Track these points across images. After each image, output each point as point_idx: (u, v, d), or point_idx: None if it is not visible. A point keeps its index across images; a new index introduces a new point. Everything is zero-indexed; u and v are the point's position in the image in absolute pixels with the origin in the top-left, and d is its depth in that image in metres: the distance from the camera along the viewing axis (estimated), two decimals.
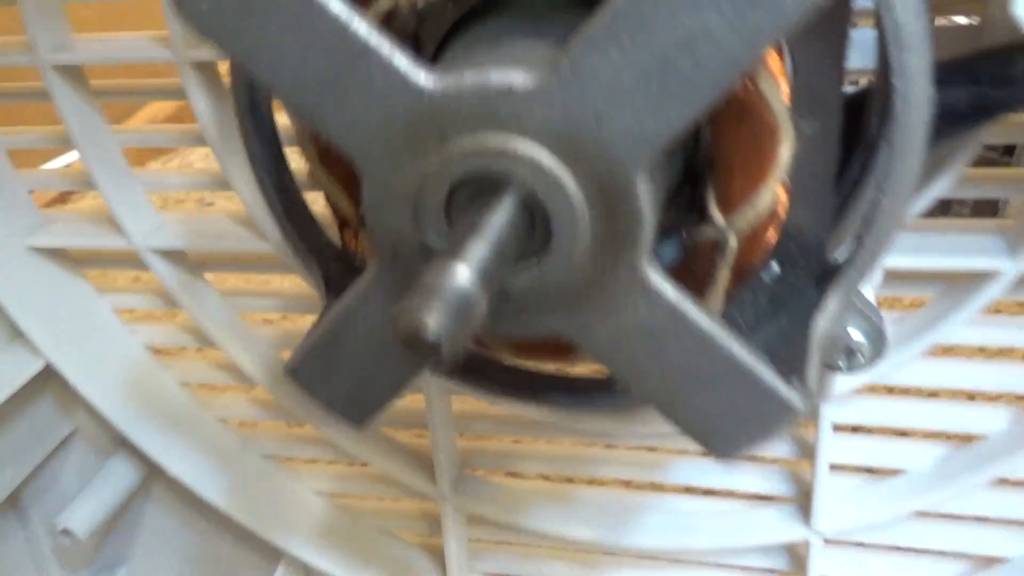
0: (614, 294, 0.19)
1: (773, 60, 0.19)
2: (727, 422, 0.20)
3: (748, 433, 0.20)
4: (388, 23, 0.21)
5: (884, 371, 0.32)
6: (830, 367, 0.26)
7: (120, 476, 0.45)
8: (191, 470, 0.44)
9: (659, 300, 0.19)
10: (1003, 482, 0.33)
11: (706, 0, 0.15)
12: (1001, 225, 0.29)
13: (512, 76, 0.17)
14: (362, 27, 0.17)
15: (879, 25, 0.18)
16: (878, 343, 0.26)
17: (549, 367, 0.26)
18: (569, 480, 0.41)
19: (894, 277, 0.30)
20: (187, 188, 0.39)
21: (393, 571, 0.44)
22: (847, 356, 0.26)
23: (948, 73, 0.24)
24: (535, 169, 0.17)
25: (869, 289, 0.28)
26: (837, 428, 0.34)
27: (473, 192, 0.18)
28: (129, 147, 0.38)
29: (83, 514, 0.44)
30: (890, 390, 0.35)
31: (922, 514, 0.35)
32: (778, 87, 0.19)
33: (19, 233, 0.39)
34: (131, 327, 0.43)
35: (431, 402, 0.38)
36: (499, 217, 0.17)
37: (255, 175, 0.25)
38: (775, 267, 0.23)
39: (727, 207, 0.20)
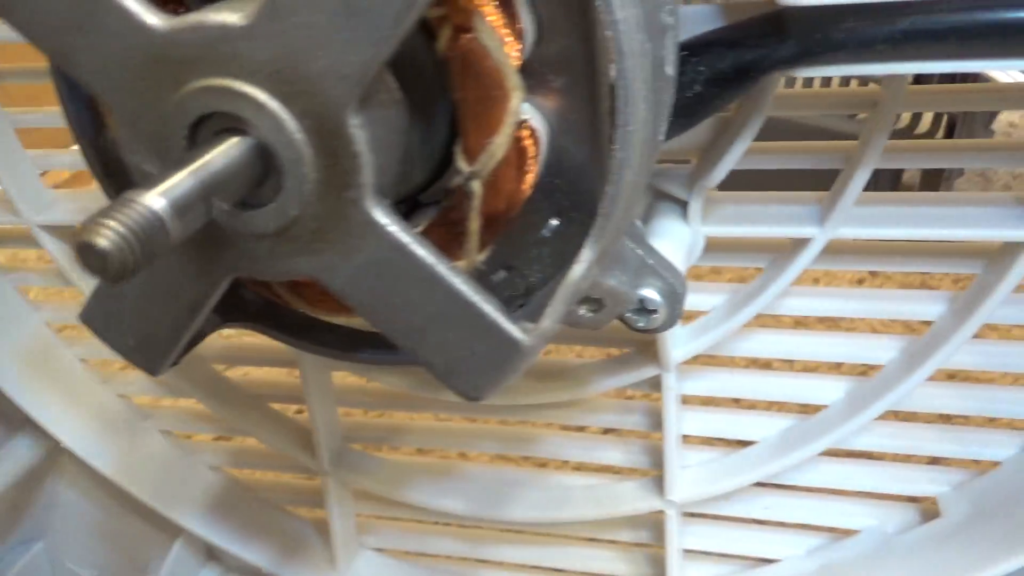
0: (347, 233, 0.20)
1: (492, 13, 0.20)
2: (464, 361, 0.21)
3: (483, 372, 0.21)
4: None
5: (719, 340, 0.33)
6: (627, 325, 0.27)
7: (23, 452, 0.46)
8: (92, 447, 0.45)
9: (385, 236, 0.20)
10: (841, 453, 0.34)
11: None
12: (818, 196, 0.30)
13: (226, 16, 0.18)
14: None
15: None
16: (673, 302, 0.27)
17: (345, 321, 0.27)
18: (445, 455, 0.41)
19: (718, 247, 0.31)
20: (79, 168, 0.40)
21: (283, 545, 0.45)
22: (645, 314, 0.27)
23: (714, 41, 0.25)
24: (257, 109, 0.19)
25: (679, 256, 0.29)
26: (686, 400, 0.35)
27: (213, 133, 0.19)
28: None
29: None
30: (744, 363, 0.36)
31: (771, 485, 0.36)
32: (499, 38, 0.20)
33: None
34: (35, 305, 0.44)
35: (307, 376, 0.39)
36: (217, 154, 0.18)
37: (74, 137, 0.26)
38: (554, 221, 0.25)
39: (469, 155, 0.21)
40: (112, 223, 0.16)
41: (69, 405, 0.45)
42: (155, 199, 0.17)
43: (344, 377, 0.41)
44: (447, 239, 0.23)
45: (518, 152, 0.21)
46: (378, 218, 0.20)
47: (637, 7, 0.20)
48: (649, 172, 0.24)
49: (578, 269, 0.23)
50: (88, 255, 0.16)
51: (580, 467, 0.39)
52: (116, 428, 0.45)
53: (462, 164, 0.21)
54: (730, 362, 0.35)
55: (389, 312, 0.21)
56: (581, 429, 0.40)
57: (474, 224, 0.22)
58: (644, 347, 0.34)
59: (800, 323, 0.34)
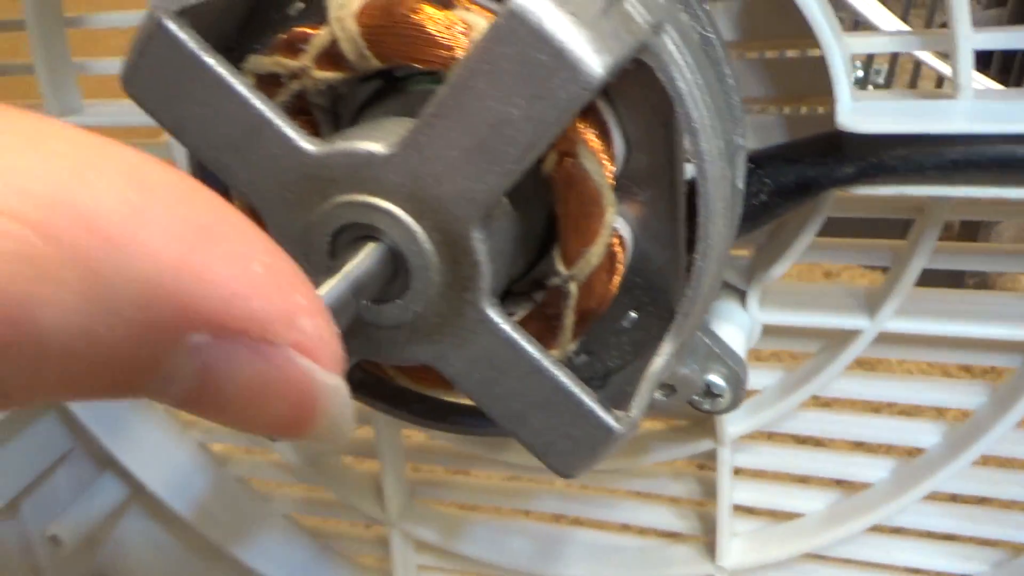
0: (463, 328, 0.23)
1: (592, 139, 0.23)
2: (560, 443, 0.23)
3: (578, 453, 0.23)
4: (303, 100, 0.26)
5: (773, 419, 0.35)
6: (694, 407, 0.30)
7: (108, 491, 0.49)
8: (171, 489, 0.48)
9: (497, 333, 0.23)
10: (880, 529, 0.36)
11: (505, 94, 0.19)
12: (869, 289, 0.33)
13: (371, 146, 0.21)
14: (262, 104, 0.22)
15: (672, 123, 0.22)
16: (737, 388, 0.30)
17: (447, 395, 0.30)
18: (506, 511, 0.44)
19: (774, 332, 0.34)
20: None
21: None
22: (710, 398, 0.30)
23: (778, 156, 0.28)
24: (393, 223, 0.22)
25: (739, 341, 0.32)
26: (738, 472, 0.38)
27: (352, 239, 0.23)
28: None
29: (71, 524, 0.48)
30: (796, 439, 0.38)
31: (818, 556, 0.38)
32: (598, 162, 0.23)
33: None
34: None
35: (380, 433, 0.42)
36: (360, 261, 0.21)
37: None
38: (633, 314, 0.27)
39: (568, 261, 0.24)
40: None
41: (151, 448, 0.48)
42: None
43: (412, 434, 0.44)
44: (543, 330, 0.26)
45: (610, 257, 0.24)
46: (492, 316, 0.23)
47: (719, 138, 0.23)
48: (722, 275, 0.26)
49: (660, 361, 0.25)
50: None
51: (632, 528, 0.41)
52: (194, 473, 0.48)
53: (560, 268, 0.24)
54: (781, 438, 0.38)
55: (496, 397, 0.24)
56: (636, 493, 0.42)
57: (569, 320, 0.25)
58: (701, 421, 0.37)
59: (848, 404, 0.37)
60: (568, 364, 0.28)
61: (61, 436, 0.49)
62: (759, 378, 0.36)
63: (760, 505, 0.38)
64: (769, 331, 0.34)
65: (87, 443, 0.49)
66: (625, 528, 0.42)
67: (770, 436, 0.37)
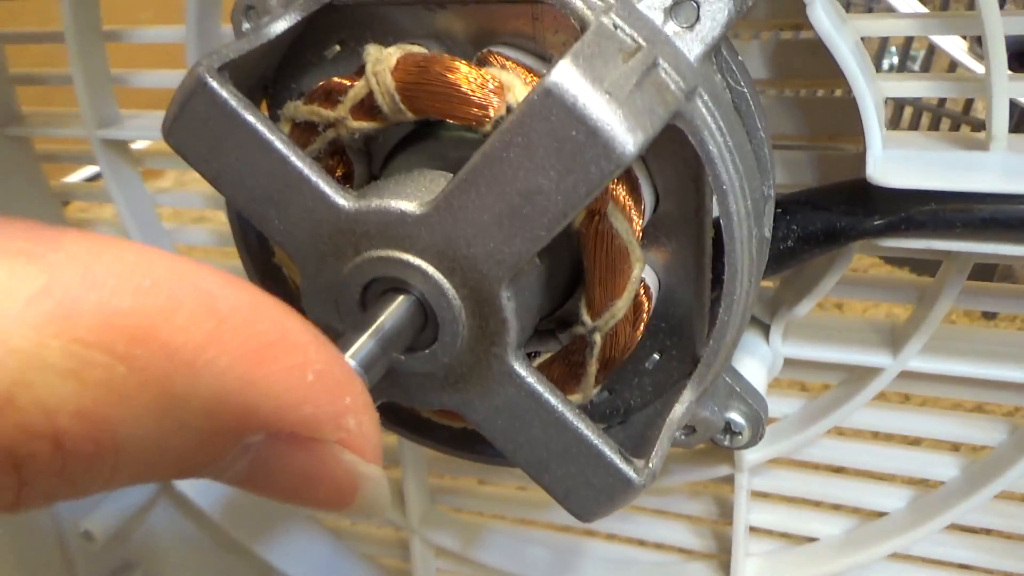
0: (488, 379, 0.23)
1: (621, 197, 0.23)
2: (580, 490, 0.24)
3: (598, 501, 0.24)
4: (337, 143, 0.26)
5: (792, 448, 0.36)
6: (714, 442, 0.30)
7: (138, 488, 0.51)
8: (198, 487, 0.49)
9: (522, 386, 0.23)
10: (897, 556, 0.37)
11: (538, 166, 0.20)
12: (893, 325, 0.33)
13: (404, 206, 0.22)
14: (299, 160, 0.23)
15: (701, 178, 0.22)
16: (756, 426, 0.30)
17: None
18: (525, 521, 0.45)
19: (796, 365, 0.34)
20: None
21: None
22: (729, 435, 0.30)
23: (806, 202, 0.28)
24: (424, 278, 0.22)
25: (761, 375, 0.32)
26: (755, 495, 0.38)
27: (382, 290, 0.23)
28: None
29: (102, 519, 0.49)
30: (814, 466, 0.38)
31: None
32: (627, 220, 0.23)
33: None
34: None
35: (403, 441, 0.43)
36: (390, 315, 0.22)
37: (241, 255, 0.30)
38: (656, 356, 0.28)
39: (593, 312, 0.24)
40: None
41: None
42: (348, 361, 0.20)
43: None
44: (566, 375, 0.26)
45: (635, 308, 0.25)
46: (518, 370, 0.23)
47: (747, 198, 0.24)
48: (746, 325, 0.27)
49: (680, 409, 0.26)
50: None
51: (649, 543, 0.42)
52: None
53: (586, 318, 0.25)
54: (799, 464, 0.38)
55: (519, 444, 0.24)
56: (654, 509, 0.42)
57: (593, 368, 0.25)
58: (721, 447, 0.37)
59: (867, 435, 0.37)
60: (590, 401, 0.28)
61: None
62: (779, 406, 0.36)
63: (776, 528, 0.39)
64: (791, 363, 0.34)
65: None
66: (641, 543, 0.43)
67: (788, 462, 0.37)
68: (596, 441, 0.23)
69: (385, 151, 0.28)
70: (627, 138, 0.19)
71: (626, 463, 0.23)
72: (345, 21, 0.26)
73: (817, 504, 0.39)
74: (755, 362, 0.33)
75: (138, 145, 0.44)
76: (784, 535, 0.39)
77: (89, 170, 0.73)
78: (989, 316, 0.76)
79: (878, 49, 0.80)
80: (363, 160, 0.28)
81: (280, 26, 0.25)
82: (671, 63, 0.22)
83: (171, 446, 0.15)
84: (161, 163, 0.44)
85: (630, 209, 0.23)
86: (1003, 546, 0.36)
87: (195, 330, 0.14)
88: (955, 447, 0.44)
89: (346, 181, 0.27)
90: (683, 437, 0.29)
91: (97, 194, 0.45)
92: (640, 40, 0.21)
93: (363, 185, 0.27)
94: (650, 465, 0.24)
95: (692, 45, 0.23)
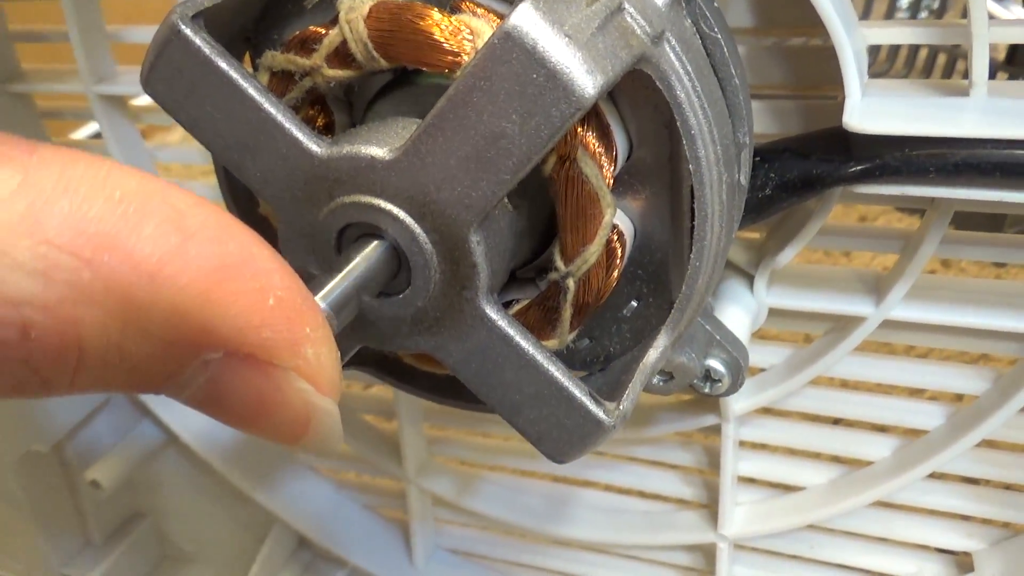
0: (461, 323, 0.24)
1: (591, 143, 0.23)
2: (553, 432, 0.25)
3: (570, 443, 0.25)
4: (317, 92, 0.26)
5: (778, 397, 0.36)
6: (694, 389, 0.31)
7: (144, 439, 0.52)
8: (202, 439, 0.51)
9: (494, 329, 0.24)
10: (882, 504, 0.37)
11: (501, 110, 0.20)
12: (877, 275, 0.33)
13: (374, 152, 0.22)
14: (273, 107, 0.23)
15: (673, 124, 0.23)
16: (736, 373, 0.30)
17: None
18: (519, 471, 0.46)
19: (780, 315, 0.34)
20: None
21: (367, 541, 0.49)
22: (709, 382, 0.31)
23: (785, 150, 0.28)
24: (395, 223, 0.23)
25: (744, 324, 0.32)
26: (742, 444, 0.38)
27: (356, 236, 0.24)
28: None
29: (111, 468, 0.51)
30: (800, 416, 0.39)
31: (819, 528, 0.39)
32: (597, 166, 0.23)
33: None
34: None
35: (399, 394, 0.43)
36: (362, 259, 0.22)
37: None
38: (634, 303, 0.28)
39: (566, 259, 0.25)
40: None
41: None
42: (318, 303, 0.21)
43: None
44: (542, 320, 0.27)
45: (608, 253, 0.25)
46: (490, 313, 0.23)
47: (718, 143, 0.24)
48: (721, 270, 0.27)
49: (653, 354, 0.26)
50: None
51: (639, 493, 0.43)
52: (224, 425, 0.50)
53: (559, 264, 0.25)
54: (786, 414, 0.38)
55: (492, 387, 0.25)
56: (644, 459, 0.43)
57: (567, 313, 0.26)
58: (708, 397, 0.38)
59: (852, 384, 0.37)
60: (570, 349, 0.29)
61: None
62: (765, 356, 0.36)
63: (763, 477, 0.39)
64: (775, 313, 0.34)
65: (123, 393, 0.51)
66: (632, 492, 0.43)
67: (775, 412, 0.38)
68: (567, 384, 0.24)
69: (365, 100, 0.28)
70: (586, 80, 0.19)
71: (596, 405, 0.24)
72: None
73: (806, 454, 0.39)
74: (739, 311, 0.33)
75: (140, 101, 0.44)
76: (771, 484, 0.40)
77: (91, 127, 0.73)
78: (1000, 266, 0.76)
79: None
80: (344, 109, 0.28)
81: None
82: (637, 7, 0.22)
83: (132, 353, 0.15)
84: (162, 119, 0.45)
85: (600, 155, 0.24)
86: (985, 494, 0.36)
87: (161, 243, 0.15)
88: (941, 397, 0.44)
89: (327, 131, 0.28)
90: (662, 383, 0.30)
91: (98, 151, 0.45)
92: None
93: None
94: (620, 407, 0.25)
95: None
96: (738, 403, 0.36)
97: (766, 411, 0.37)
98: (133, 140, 0.43)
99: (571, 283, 0.25)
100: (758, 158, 0.28)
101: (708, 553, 0.41)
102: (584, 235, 0.24)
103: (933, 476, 0.36)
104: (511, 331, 0.24)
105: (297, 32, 0.25)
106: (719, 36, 0.25)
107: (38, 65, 0.45)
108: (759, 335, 0.35)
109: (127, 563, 0.55)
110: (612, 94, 0.24)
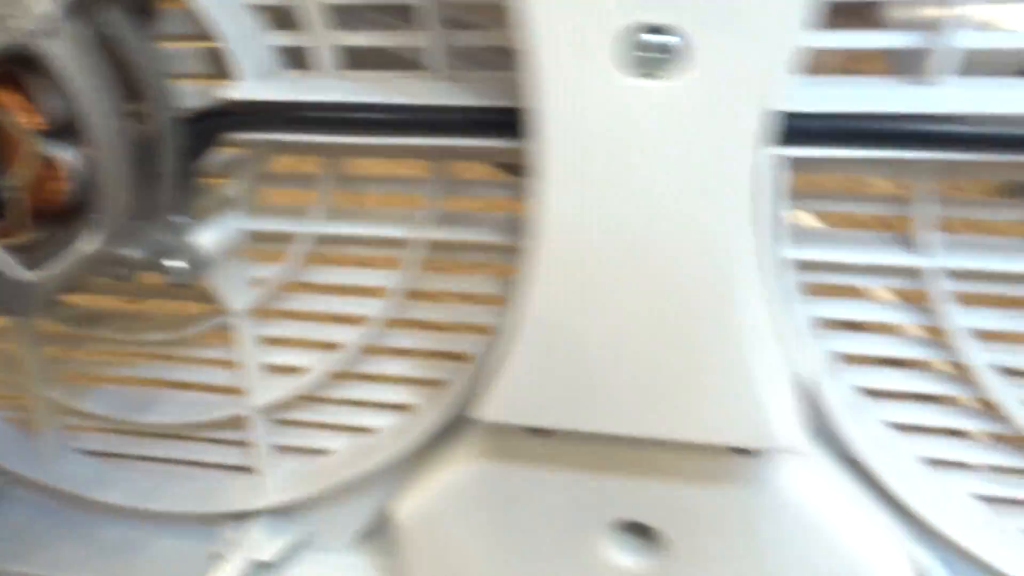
0: None
1: (10, 98, 0.37)
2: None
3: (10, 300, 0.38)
4: None
5: (269, 298, 0.50)
6: (159, 270, 0.45)
7: None
8: None
9: None
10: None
11: None
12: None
13: None
14: None
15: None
16: (196, 266, 0.44)
17: None
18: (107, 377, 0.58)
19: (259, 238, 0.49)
20: None
21: None
22: (172, 274, 0.45)
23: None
24: None
25: (212, 241, 0.46)
26: (262, 340, 0.53)
27: None
28: None
29: None
30: (307, 315, 0.53)
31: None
32: (11, 114, 0.37)
33: None
34: None
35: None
36: None
37: None
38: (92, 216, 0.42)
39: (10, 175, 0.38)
40: None
41: None
42: None
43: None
44: (6, 225, 0.40)
45: (44, 179, 0.39)
46: None
47: (110, 116, 0.38)
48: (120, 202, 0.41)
49: (83, 246, 0.40)
50: None
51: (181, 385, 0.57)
52: None
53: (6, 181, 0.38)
54: (286, 314, 0.53)
55: None
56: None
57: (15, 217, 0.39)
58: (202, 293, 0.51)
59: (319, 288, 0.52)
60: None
61: None
62: (263, 271, 0.51)
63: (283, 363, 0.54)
64: (257, 237, 0.49)
65: None
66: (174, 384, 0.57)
67: (272, 311, 0.52)
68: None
69: None
70: None
71: (23, 269, 0.37)
72: None
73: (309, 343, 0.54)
74: (214, 232, 0.47)
75: None
76: (291, 368, 0.54)
77: None
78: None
79: None
80: None
81: None
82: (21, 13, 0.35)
83: None
84: None
85: (16, 108, 0.37)
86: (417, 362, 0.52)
87: None
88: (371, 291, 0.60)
89: None
90: (127, 272, 0.44)
91: None
92: None
93: None
94: (45, 272, 0.38)
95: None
96: (237, 303, 0.50)
97: (264, 311, 0.51)
98: None
99: (11, 193, 0.38)
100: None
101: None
102: (8, 161, 0.38)
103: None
104: None
105: None
106: (123, 35, 0.39)
107: None
108: (259, 254, 0.50)
109: None
110: (39, 69, 0.38)
